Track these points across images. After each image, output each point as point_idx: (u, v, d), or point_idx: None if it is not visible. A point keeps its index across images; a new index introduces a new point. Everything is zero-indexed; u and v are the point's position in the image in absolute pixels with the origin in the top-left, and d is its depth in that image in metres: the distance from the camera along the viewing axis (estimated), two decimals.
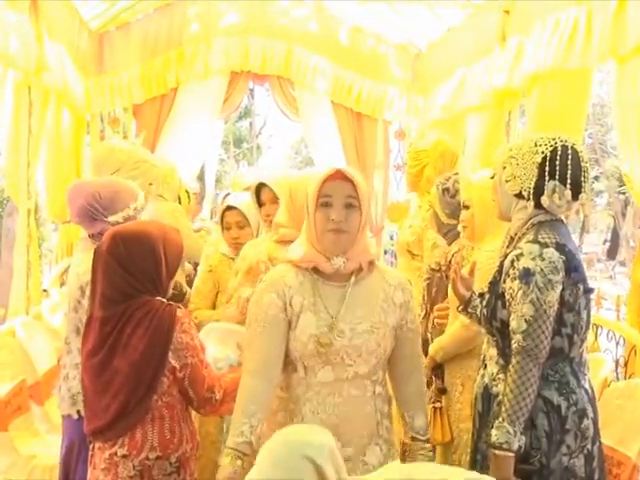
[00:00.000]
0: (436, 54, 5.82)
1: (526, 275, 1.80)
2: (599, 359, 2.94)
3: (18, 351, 3.45)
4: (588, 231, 21.98)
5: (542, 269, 1.79)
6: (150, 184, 2.99)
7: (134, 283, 1.94)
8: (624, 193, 16.80)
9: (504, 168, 1.95)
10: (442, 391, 2.62)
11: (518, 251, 1.85)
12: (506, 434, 1.76)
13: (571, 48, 3.40)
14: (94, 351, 1.95)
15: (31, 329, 3.68)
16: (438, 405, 2.60)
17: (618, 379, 3.06)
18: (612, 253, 20.05)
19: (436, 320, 2.72)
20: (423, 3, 5.31)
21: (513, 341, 1.83)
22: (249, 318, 1.88)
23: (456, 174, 2.82)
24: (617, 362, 3.24)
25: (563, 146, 1.87)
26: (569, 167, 1.86)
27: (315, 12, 6.14)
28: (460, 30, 5.21)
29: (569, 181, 1.86)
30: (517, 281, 1.82)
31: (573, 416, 1.83)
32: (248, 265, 2.47)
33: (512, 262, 1.86)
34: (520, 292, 1.81)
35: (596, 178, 18.07)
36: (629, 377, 3.03)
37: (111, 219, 2.37)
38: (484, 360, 2.01)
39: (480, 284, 2.09)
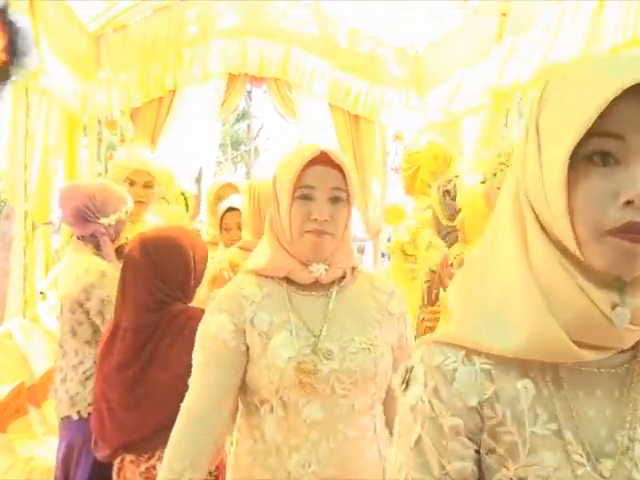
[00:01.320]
0: (434, 56, 5.83)
1: None
2: None
3: (15, 353, 3.45)
4: None
5: None
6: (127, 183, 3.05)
7: (167, 290, 1.87)
8: None
9: (495, 175, 1.95)
10: None
11: None
12: None
13: (564, 47, 3.42)
14: (126, 364, 1.85)
15: (28, 331, 3.69)
16: None
17: None
18: None
19: (426, 323, 2.72)
20: (420, 4, 5.31)
21: None
22: (195, 343, 1.44)
23: (457, 177, 2.83)
24: None
25: None
26: None
27: (313, 14, 6.13)
28: (458, 32, 5.23)
29: None
30: None
31: None
32: (212, 274, 2.42)
33: None
34: None
35: None
36: None
37: (103, 221, 2.40)
38: None
39: None
